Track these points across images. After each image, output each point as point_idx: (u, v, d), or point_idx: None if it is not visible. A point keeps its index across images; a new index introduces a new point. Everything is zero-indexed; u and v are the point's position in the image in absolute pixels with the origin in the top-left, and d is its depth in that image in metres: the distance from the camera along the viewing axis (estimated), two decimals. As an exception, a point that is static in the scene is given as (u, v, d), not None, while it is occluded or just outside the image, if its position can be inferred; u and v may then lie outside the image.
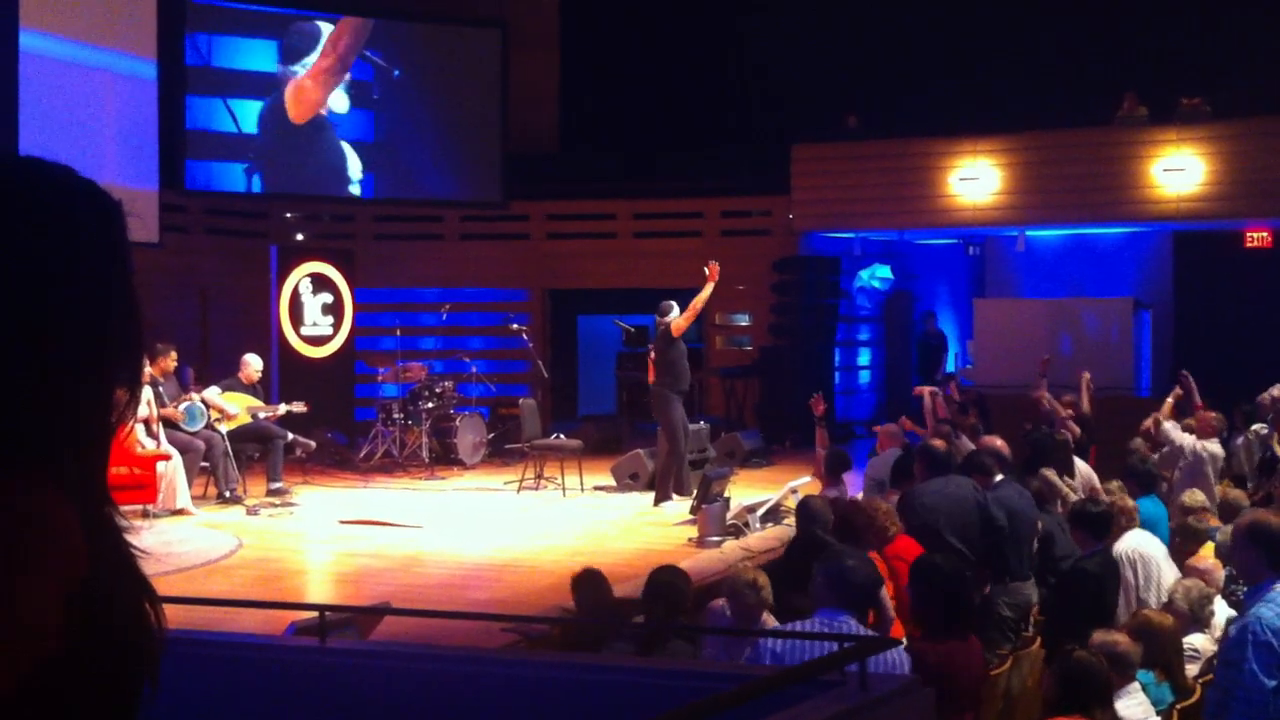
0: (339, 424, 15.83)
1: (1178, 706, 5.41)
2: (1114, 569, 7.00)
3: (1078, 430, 10.88)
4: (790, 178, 17.65)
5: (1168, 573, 7.42)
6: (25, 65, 13.52)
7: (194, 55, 16.30)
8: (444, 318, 16.11)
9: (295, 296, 15.76)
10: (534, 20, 19.33)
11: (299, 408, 12.68)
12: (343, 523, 11.00)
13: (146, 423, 11.12)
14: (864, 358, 19.80)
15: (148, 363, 10.62)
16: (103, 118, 14.67)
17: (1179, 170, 16.12)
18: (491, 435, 15.10)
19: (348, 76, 17.49)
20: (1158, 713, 5.29)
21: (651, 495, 11.97)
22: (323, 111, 17.35)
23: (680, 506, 11.28)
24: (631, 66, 19.80)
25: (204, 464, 11.80)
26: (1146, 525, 7.85)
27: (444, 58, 18.15)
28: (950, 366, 19.31)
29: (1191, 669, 5.91)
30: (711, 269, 11.66)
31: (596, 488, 13.00)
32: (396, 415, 14.41)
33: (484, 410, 15.68)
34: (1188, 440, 10.35)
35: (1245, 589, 5.20)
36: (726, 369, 17.73)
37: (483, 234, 18.94)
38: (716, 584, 7.56)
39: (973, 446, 9.39)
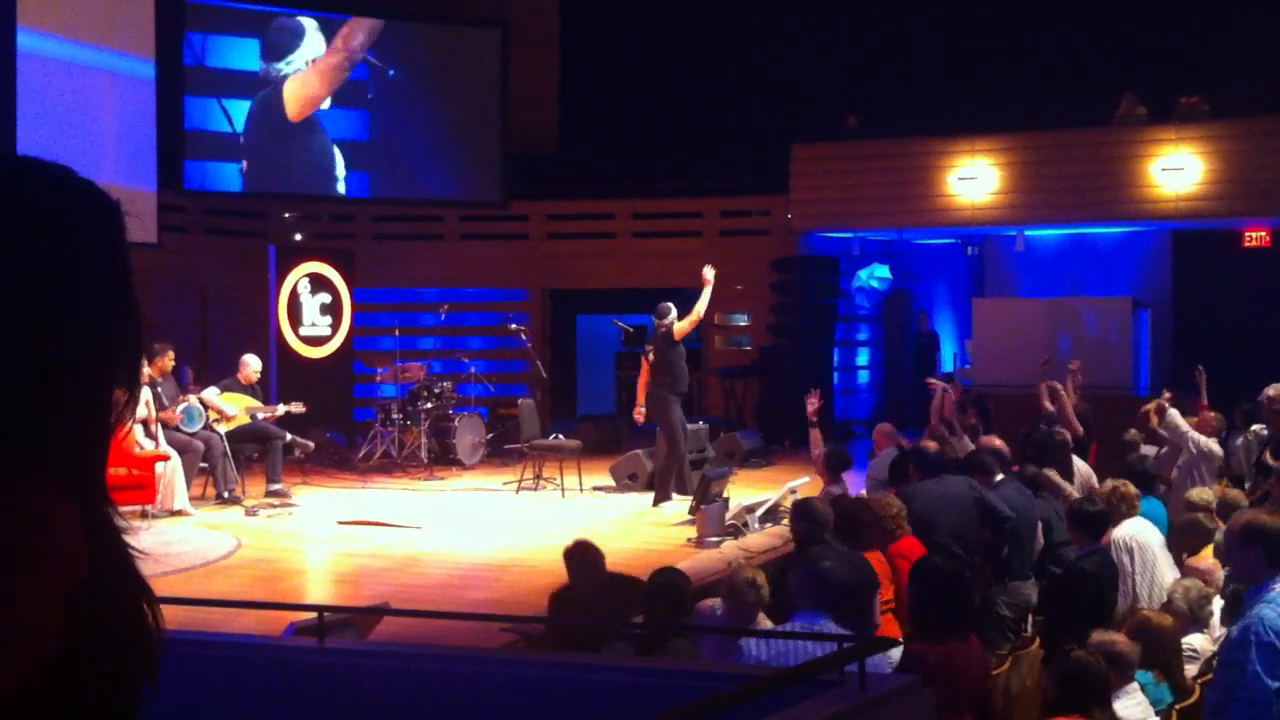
0: (338, 424, 15.83)
1: (1176, 707, 5.41)
2: (1112, 569, 7.01)
3: (1080, 429, 10.87)
4: (789, 177, 17.65)
5: (1163, 563, 7.45)
6: (23, 65, 13.52)
7: (189, 55, 16.30)
8: (443, 318, 16.11)
9: (294, 296, 15.76)
10: (534, 20, 19.34)
11: (298, 408, 12.68)
12: (341, 523, 10.99)
13: (145, 423, 11.12)
14: (863, 357, 19.80)
15: (146, 363, 10.66)
16: (101, 118, 14.67)
17: (1178, 170, 16.12)
18: (490, 435, 15.10)
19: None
20: (1156, 713, 5.29)
21: (651, 495, 11.97)
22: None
23: (679, 506, 11.28)
24: (631, 66, 19.80)
25: (203, 464, 11.80)
26: (1145, 524, 7.87)
27: (444, 57, 18.15)
28: (949, 366, 19.32)
29: (1190, 669, 5.91)
30: (705, 277, 11.68)
31: (595, 488, 13.00)
32: (395, 415, 14.41)
33: (483, 410, 15.68)
34: (1192, 433, 10.28)
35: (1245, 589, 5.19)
36: (726, 369, 17.73)
37: (482, 234, 18.94)
38: (716, 584, 7.56)
39: (973, 446, 9.40)
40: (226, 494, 11.85)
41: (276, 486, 12.25)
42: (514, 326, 15.27)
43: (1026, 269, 19.58)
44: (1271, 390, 11.30)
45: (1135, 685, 5.22)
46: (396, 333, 15.37)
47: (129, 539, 1.30)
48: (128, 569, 1.29)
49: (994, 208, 17.11)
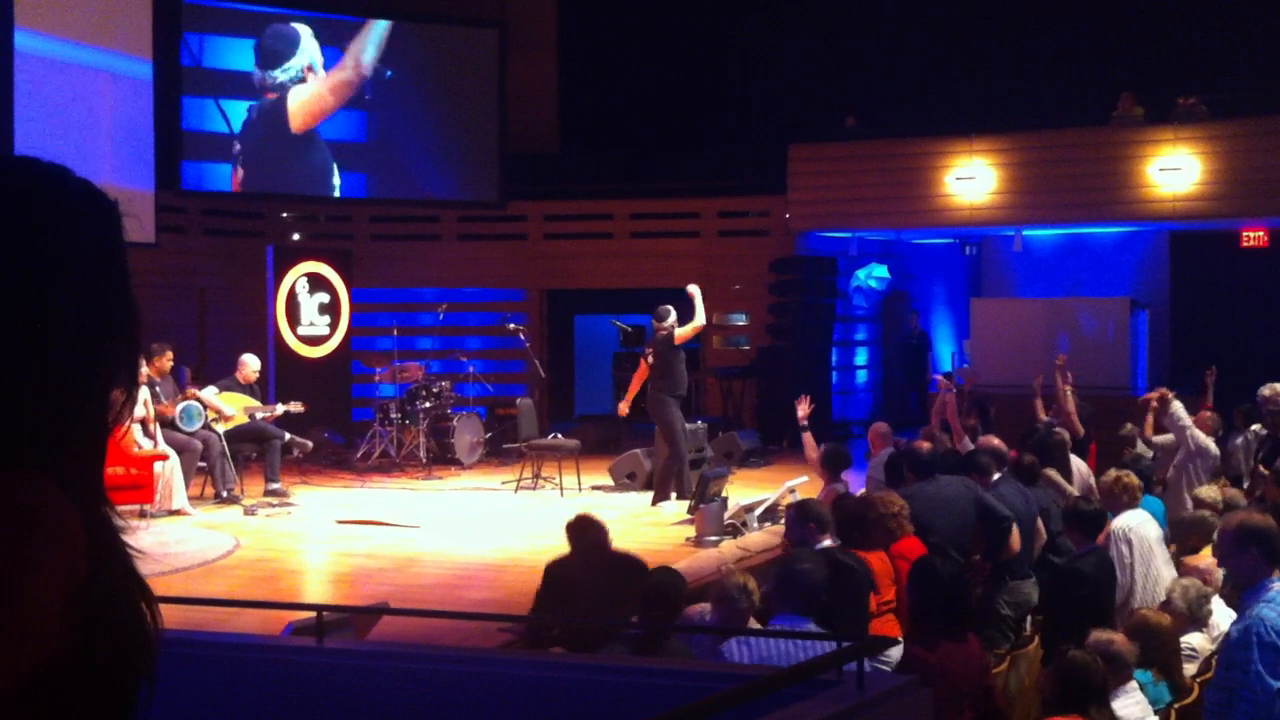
0: (336, 424, 15.82)
1: (1175, 706, 5.41)
2: (1109, 568, 7.02)
3: (1080, 430, 10.86)
4: (787, 178, 17.65)
5: (1159, 557, 7.46)
6: (21, 65, 13.51)
7: (186, 56, 16.29)
8: (441, 317, 16.11)
9: (292, 296, 15.75)
10: (532, 20, 19.34)
11: (296, 408, 12.67)
12: (340, 523, 10.99)
13: (143, 423, 11.12)
14: (861, 357, 19.81)
15: (144, 363, 10.65)
16: (98, 118, 14.66)
17: (1175, 170, 16.12)
18: (489, 435, 15.09)
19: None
20: (1155, 712, 5.29)
21: (649, 495, 11.97)
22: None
23: (678, 506, 11.28)
24: (630, 67, 19.80)
25: (201, 464, 11.80)
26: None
27: (442, 57, 18.14)
28: (946, 366, 19.32)
29: (1189, 668, 5.91)
30: (690, 293, 11.74)
31: (594, 487, 13.01)
32: (394, 415, 14.40)
33: (481, 410, 15.67)
34: (1193, 428, 10.24)
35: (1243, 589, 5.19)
36: (724, 369, 17.73)
37: (480, 234, 18.94)
38: (709, 585, 7.56)
39: (972, 447, 9.39)
40: (225, 494, 11.85)
41: (275, 486, 12.24)
42: (512, 326, 15.27)
43: (1024, 269, 19.59)
44: (1267, 390, 11.30)
45: (1134, 684, 5.22)
46: (395, 332, 15.37)
47: (127, 538, 1.30)
48: (126, 569, 1.29)
49: (992, 208, 17.11)
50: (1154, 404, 10.41)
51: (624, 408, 12.32)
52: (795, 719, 2.89)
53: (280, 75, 16.96)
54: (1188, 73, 17.37)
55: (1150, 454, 10.54)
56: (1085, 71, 18.41)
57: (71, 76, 14.28)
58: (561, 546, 6.85)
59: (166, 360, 11.78)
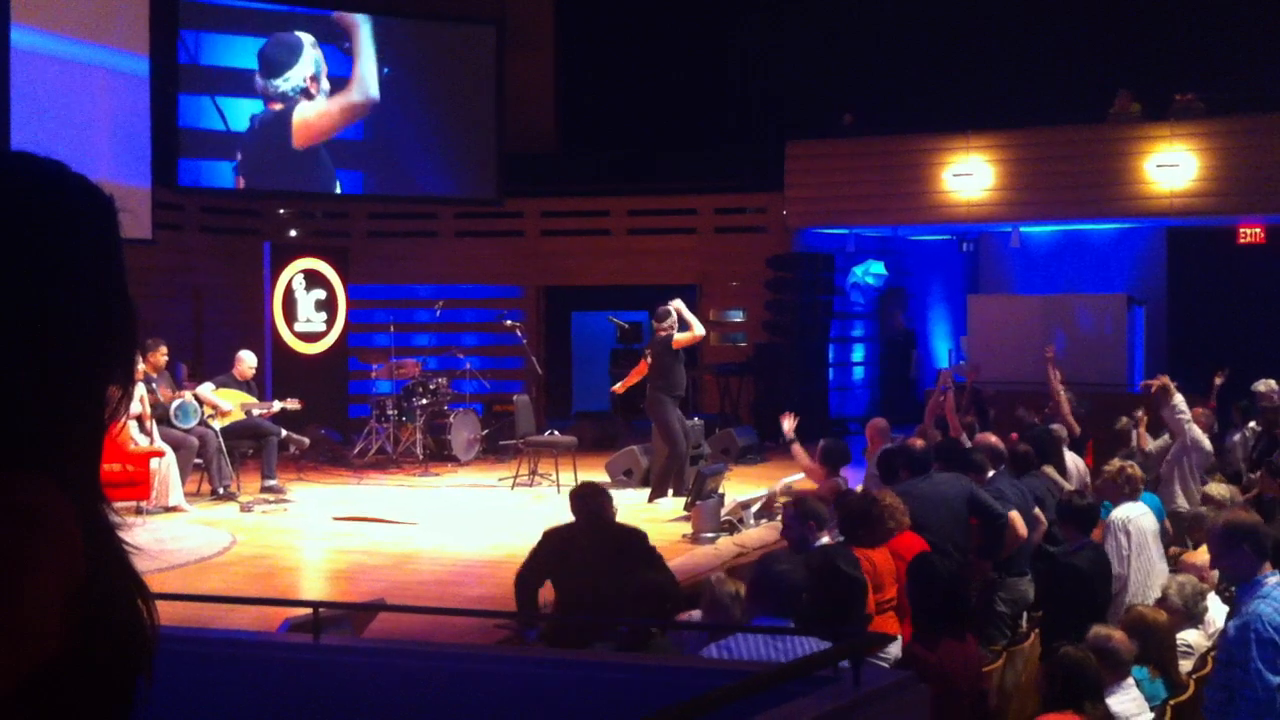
0: (333, 421, 15.83)
1: (1171, 702, 5.42)
2: (1104, 563, 7.02)
3: (1076, 428, 10.87)
4: (785, 174, 17.65)
5: (1154, 552, 7.47)
6: (17, 62, 13.49)
7: (183, 53, 16.27)
8: (438, 314, 16.11)
9: (289, 293, 15.75)
10: (530, 18, 19.33)
11: (293, 405, 12.67)
12: (337, 519, 10.99)
13: (140, 420, 11.12)
14: (858, 354, 19.82)
15: (140, 359, 10.64)
16: (95, 114, 14.65)
17: (1172, 166, 16.13)
18: (486, 432, 15.09)
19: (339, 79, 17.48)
20: (1151, 709, 5.30)
21: (646, 492, 11.98)
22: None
23: (675, 503, 11.29)
24: (627, 64, 19.79)
25: (197, 461, 11.79)
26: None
27: (440, 55, 18.13)
28: (944, 363, 19.32)
29: (1185, 665, 5.92)
30: (679, 310, 11.81)
31: (591, 484, 12.99)
32: (390, 412, 14.40)
33: (478, 407, 15.67)
34: (1191, 421, 10.22)
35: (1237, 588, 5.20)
36: (721, 366, 17.74)
37: (478, 231, 18.93)
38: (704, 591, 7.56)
39: (969, 444, 9.40)
40: (221, 490, 11.84)
41: (271, 483, 12.24)
42: (509, 323, 15.27)
43: (1021, 266, 19.59)
44: (1261, 386, 11.31)
45: (1131, 681, 5.23)
46: (392, 329, 15.36)
47: (124, 535, 1.30)
48: (124, 566, 1.29)
49: (989, 204, 17.12)
50: (1155, 390, 10.36)
51: (619, 388, 12.64)
52: (791, 716, 2.89)
53: (282, 85, 16.93)
54: (1185, 69, 17.36)
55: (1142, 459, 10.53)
56: (1082, 68, 18.41)
57: (68, 73, 14.26)
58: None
59: (161, 355, 11.77)
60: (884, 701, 3.11)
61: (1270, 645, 4.53)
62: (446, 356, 16.47)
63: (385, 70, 17.70)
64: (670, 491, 11.67)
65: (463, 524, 10.95)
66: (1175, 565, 7.47)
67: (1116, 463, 7.94)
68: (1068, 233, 19.18)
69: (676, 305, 11.88)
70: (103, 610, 1.23)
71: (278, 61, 16.87)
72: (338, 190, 17.70)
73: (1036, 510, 7.92)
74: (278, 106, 16.89)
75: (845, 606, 5.76)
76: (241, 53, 16.79)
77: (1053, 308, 17.89)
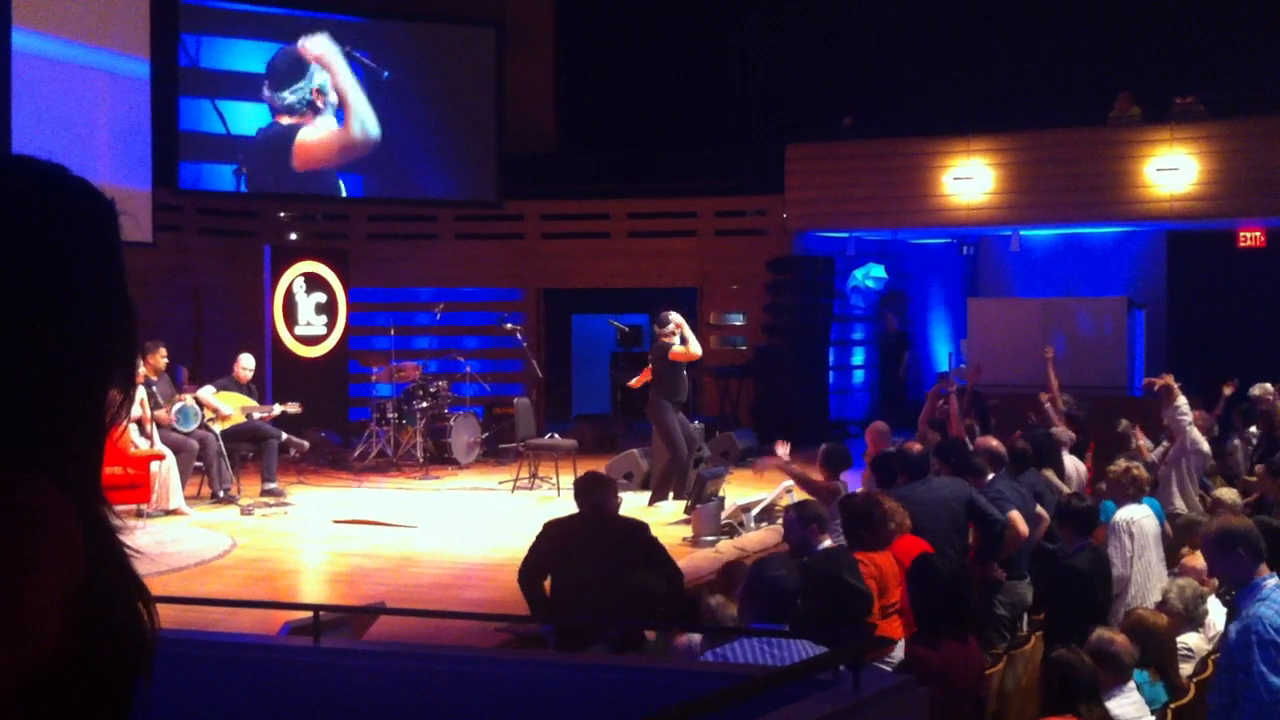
0: (333, 424, 15.82)
1: (1171, 706, 5.42)
2: (1104, 565, 7.02)
3: (1071, 436, 10.85)
4: (785, 177, 17.66)
5: (1154, 555, 7.47)
6: (18, 65, 13.50)
7: (184, 56, 16.28)
8: (438, 317, 16.11)
9: (289, 296, 15.75)
10: (529, 20, 19.34)
11: (293, 408, 12.67)
12: (337, 522, 10.99)
13: (140, 422, 11.12)
14: (858, 357, 19.81)
15: (140, 362, 10.63)
16: (96, 117, 14.66)
17: (1173, 170, 16.13)
18: (486, 435, 15.09)
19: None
20: (1152, 712, 5.30)
21: (646, 495, 11.97)
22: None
23: (675, 506, 11.29)
24: (627, 66, 19.80)
25: (198, 464, 11.79)
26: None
27: (439, 57, 18.14)
28: (944, 366, 19.32)
29: (1186, 668, 5.92)
30: (678, 323, 11.89)
31: (591, 487, 12.98)
32: (391, 415, 14.40)
33: (478, 410, 15.67)
34: (1192, 424, 10.20)
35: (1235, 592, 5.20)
36: (721, 368, 17.74)
37: (477, 234, 18.93)
38: (711, 583, 7.56)
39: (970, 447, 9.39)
40: (221, 493, 11.84)
41: (272, 486, 12.24)
42: (509, 326, 15.27)
43: (1021, 269, 19.60)
44: (1257, 390, 11.28)
45: (1131, 684, 5.23)
46: (392, 332, 15.36)
47: (124, 538, 1.30)
48: (124, 569, 1.29)
49: (989, 208, 17.12)
50: (1158, 388, 10.34)
51: (635, 382, 12.52)
52: (791, 719, 2.89)
53: (289, 96, 16.96)
54: (1185, 72, 17.38)
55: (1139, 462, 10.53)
56: (1083, 71, 18.42)
57: (69, 75, 14.27)
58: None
59: (160, 358, 11.76)
60: (883, 705, 3.11)
61: (1272, 647, 4.52)
62: (447, 359, 16.47)
63: (385, 73, 17.71)
64: (670, 495, 11.67)
65: (463, 527, 10.95)
66: (1176, 568, 7.47)
67: (1122, 463, 7.91)
68: (1068, 236, 19.19)
69: (677, 320, 11.89)
70: (102, 611, 1.23)
71: (285, 74, 16.90)
72: (341, 193, 17.71)
73: (1038, 508, 7.91)
74: (284, 120, 16.91)
75: (847, 617, 5.74)
76: (242, 56, 16.81)
77: (1053, 311, 17.89)
